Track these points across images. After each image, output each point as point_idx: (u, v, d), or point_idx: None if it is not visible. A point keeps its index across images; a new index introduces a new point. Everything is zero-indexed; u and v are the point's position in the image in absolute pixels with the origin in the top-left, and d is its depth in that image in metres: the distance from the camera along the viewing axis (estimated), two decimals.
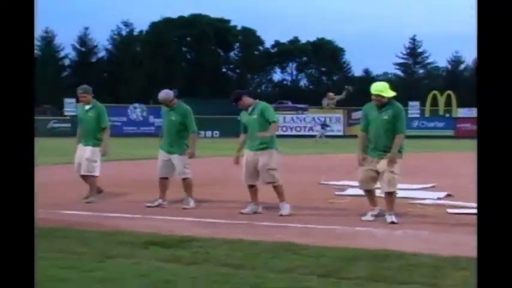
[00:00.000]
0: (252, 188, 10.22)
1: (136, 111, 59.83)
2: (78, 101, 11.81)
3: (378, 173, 9.30)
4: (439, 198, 11.53)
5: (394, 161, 9.11)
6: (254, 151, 10.07)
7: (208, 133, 54.46)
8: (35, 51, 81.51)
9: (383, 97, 9.22)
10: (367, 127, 9.46)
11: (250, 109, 10.17)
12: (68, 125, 58.79)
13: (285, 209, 9.92)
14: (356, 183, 13.54)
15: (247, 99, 10.21)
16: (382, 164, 9.21)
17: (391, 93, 9.28)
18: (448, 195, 11.78)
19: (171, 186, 11.00)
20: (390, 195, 9.25)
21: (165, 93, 10.89)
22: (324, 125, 51.94)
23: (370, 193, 9.61)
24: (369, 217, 9.34)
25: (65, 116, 60.05)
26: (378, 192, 9.73)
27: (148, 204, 10.64)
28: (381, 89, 9.23)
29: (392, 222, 8.97)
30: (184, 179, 10.75)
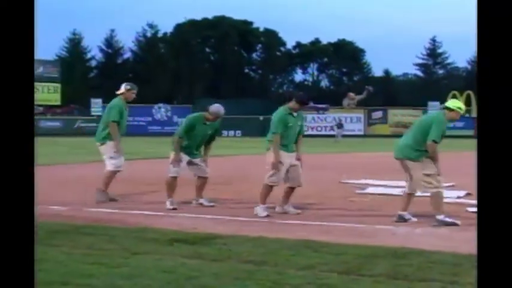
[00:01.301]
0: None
1: (160, 111, 60.18)
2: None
3: None
4: (458, 197, 11.55)
5: None
6: (291, 152, 10.10)
7: (231, 132, 54.62)
8: (63, 52, 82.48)
9: None
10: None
11: (296, 114, 10.12)
12: (95, 124, 59.18)
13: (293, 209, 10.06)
14: (377, 182, 13.59)
15: None
16: None
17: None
18: (468, 194, 11.75)
19: (193, 185, 11.08)
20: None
21: (222, 110, 10.84)
22: (339, 125, 52.14)
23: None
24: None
25: (92, 115, 60.66)
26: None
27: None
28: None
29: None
30: (206, 178, 10.87)
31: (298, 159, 10.11)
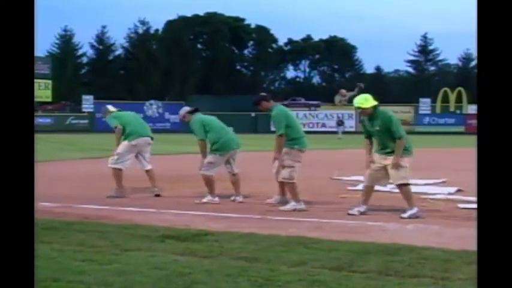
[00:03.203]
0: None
1: (152, 107, 60.11)
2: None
3: (385, 169, 9.46)
4: (449, 194, 11.58)
5: (398, 165, 9.28)
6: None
7: None
8: (54, 49, 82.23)
9: (364, 109, 9.49)
10: (369, 135, 9.74)
11: (271, 114, 10.42)
12: (86, 121, 59.20)
13: (289, 206, 10.07)
14: None
15: (265, 104, 10.40)
16: (390, 161, 9.38)
17: (370, 104, 9.48)
18: (459, 191, 11.80)
19: (184, 182, 11.11)
20: (401, 187, 9.42)
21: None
22: (340, 122, 52.25)
23: (369, 189, 9.71)
24: (354, 212, 9.44)
25: (83, 112, 60.55)
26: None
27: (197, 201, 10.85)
28: (361, 101, 9.49)
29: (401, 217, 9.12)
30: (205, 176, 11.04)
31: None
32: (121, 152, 11.74)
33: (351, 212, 9.42)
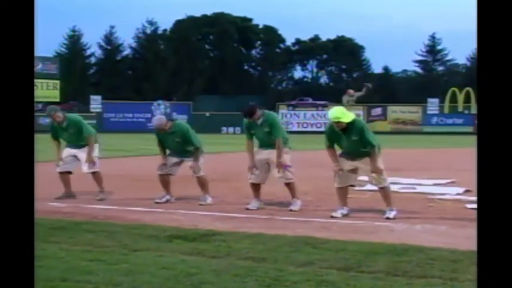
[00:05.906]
0: (256, 186, 10.44)
1: (160, 107, 60.14)
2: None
3: (355, 169, 9.57)
4: (458, 194, 11.55)
5: (378, 170, 9.29)
6: (267, 149, 10.36)
7: (230, 129, 54.40)
8: (62, 49, 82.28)
9: (343, 123, 9.33)
10: (333, 144, 9.68)
11: (260, 121, 10.33)
12: (94, 121, 59.33)
13: (296, 205, 10.09)
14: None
15: (259, 112, 10.37)
16: (362, 163, 9.47)
17: (349, 118, 9.37)
18: (467, 191, 11.75)
19: (189, 183, 11.13)
20: (382, 189, 9.44)
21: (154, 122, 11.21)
22: None
23: (342, 191, 9.68)
24: (338, 214, 9.39)
25: (91, 112, 60.66)
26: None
27: (157, 200, 10.89)
28: (339, 115, 9.34)
29: (388, 218, 9.08)
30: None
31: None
32: (98, 155, 11.74)
33: (334, 214, 9.34)
